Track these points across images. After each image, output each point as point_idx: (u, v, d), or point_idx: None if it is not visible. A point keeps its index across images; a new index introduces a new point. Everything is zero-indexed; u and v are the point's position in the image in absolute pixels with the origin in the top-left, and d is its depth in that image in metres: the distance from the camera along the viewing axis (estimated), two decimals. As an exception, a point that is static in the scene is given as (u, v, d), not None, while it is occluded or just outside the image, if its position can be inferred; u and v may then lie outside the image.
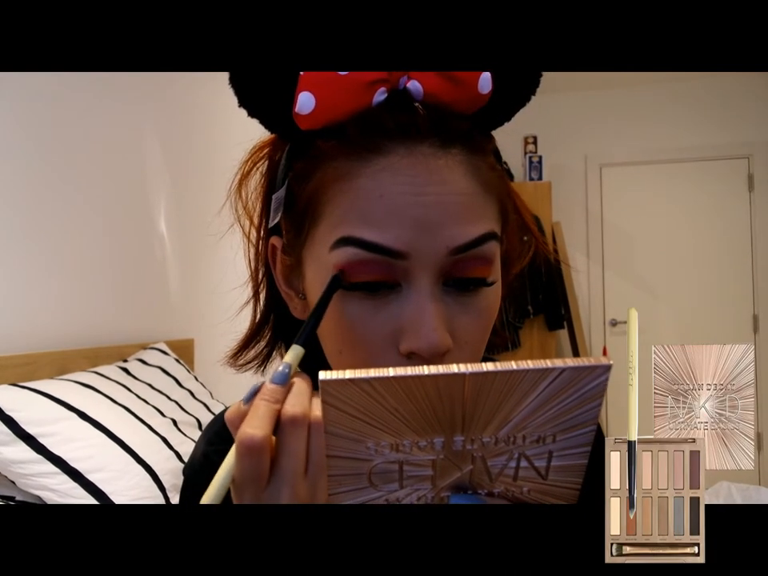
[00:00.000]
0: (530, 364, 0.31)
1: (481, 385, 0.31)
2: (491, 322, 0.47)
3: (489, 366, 0.31)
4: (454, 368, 0.31)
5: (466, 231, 0.42)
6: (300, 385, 0.37)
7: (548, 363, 0.31)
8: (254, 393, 0.36)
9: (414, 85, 0.43)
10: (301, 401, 0.36)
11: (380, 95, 0.43)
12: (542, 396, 0.32)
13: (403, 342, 0.42)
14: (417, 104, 0.43)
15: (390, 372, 0.31)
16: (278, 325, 0.55)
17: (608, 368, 0.31)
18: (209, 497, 0.34)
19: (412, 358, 0.42)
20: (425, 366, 0.31)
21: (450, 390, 0.31)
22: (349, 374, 0.31)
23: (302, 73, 0.42)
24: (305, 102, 0.42)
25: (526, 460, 0.34)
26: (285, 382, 0.37)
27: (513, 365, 0.31)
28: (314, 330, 0.41)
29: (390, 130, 0.42)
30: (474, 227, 0.43)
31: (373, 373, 0.31)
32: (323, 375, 0.31)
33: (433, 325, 0.41)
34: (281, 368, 0.38)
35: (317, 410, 0.36)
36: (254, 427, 0.34)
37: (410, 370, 0.31)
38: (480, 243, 0.43)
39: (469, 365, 0.31)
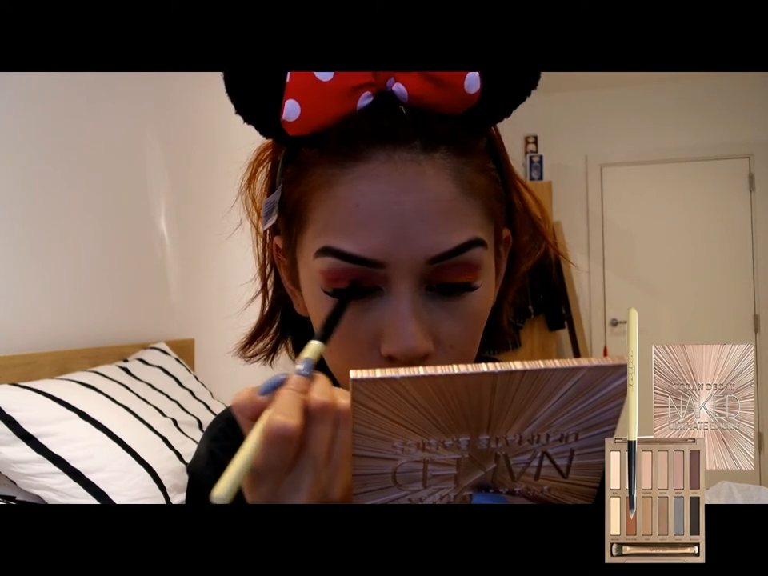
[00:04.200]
0: (557, 363, 0.31)
1: (508, 384, 0.31)
2: (479, 325, 0.47)
3: (517, 365, 0.31)
4: (483, 367, 0.31)
5: (445, 240, 0.42)
6: (323, 377, 0.38)
7: (574, 362, 0.31)
8: (275, 385, 0.36)
9: (398, 87, 0.43)
10: (327, 390, 0.36)
11: (364, 100, 0.43)
12: (567, 395, 0.32)
13: (383, 345, 0.43)
14: (401, 107, 0.43)
15: (420, 371, 0.31)
16: (284, 318, 0.57)
17: (623, 368, 0.31)
18: (225, 485, 0.32)
19: (392, 361, 0.43)
20: (454, 366, 0.31)
21: (478, 389, 0.31)
22: (379, 372, 0.31)
23: (288, 80, 0.42)
24: (291, 109, 0.42)
25: (548, 459, 0.34)
26: (310, 374, 0.37)
27: (540, 364, 0.31)
28: (332, 328, 0.41)
29: (369, 135, 0.42)
30: (455, 235, 0.42)
31: (403, 372, 0.31)
32: (354, 374, 0.31)
33: (410, 330, 0.42)
34: (304, 363, 0.37)
35: (342, 399, 0.36)
36: (288, 415, 0.33)
37: (440, 369, 0.31)
38: (461, 252, 0.42)
39: (497, 364, 0.31)
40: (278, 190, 0.48)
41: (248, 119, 0.44)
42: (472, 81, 0.43)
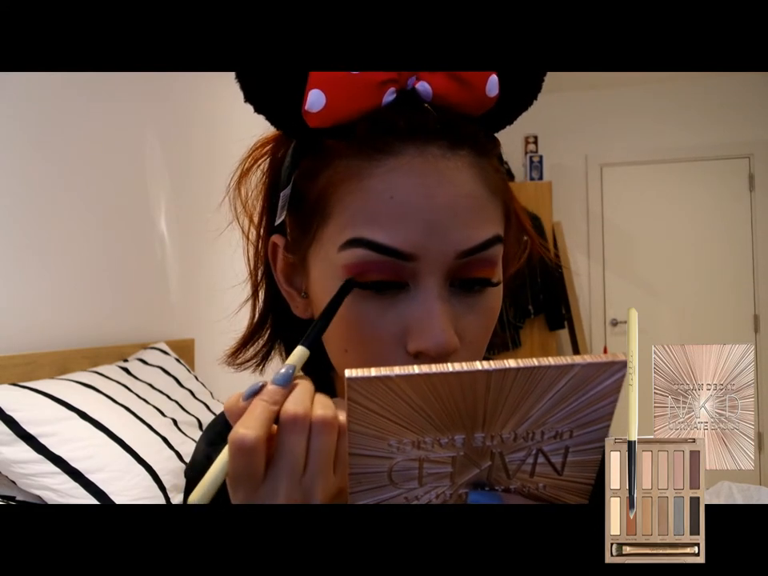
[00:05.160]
0: (550, 361, 0.31)
1: (503, 381, 0.31)
2: (494, 321, 0.47)
3: (511, 363, 0.31)
4: (478, 365, 0.31)
5: (474, 235, 0.42)
6: (303, 386, 0.37)
7: (568, 360, 0.31)
8: (255, 392, 0.36)
9: (422, 86, 0.43)
10: (302, 400, 0.36)
11: (389, 95, 0.43)
12: (561, 392, 0.32)
13: (411, 341, 0.42)
14: (426, 105, 0.43)
15: (416, 369, 0.31)
16: (276, 324, 0.55)
17: (625, 364, 0.31)
18: (199, 491, 0.34)
19: (419, 358, 0.42)
20: (448, 364, 0.31)
21: (473, 386, 0.31)
22: (374, 371, 0.31)
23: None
24: (315, 99, 0.42)
25: (543, 456, 0.35)
26: (287, 383, 0.37)
27: (534, 361, 0.31)
28: (321, 332, 0.41)
29: (400, 130, 0.42)
30: (482, 231, 0.43)
31: (398, 370, 0.31)
32: (349, 373, 0.31)
33: (441, 325, 0.41)
34: (283, 369, 0.37)
35: (318, 410, 0.36)
36: (248, 427, 0.34)
37: (434, 368, 0.31)
38: (486, 247, 0.43)
39: (492, 362, 0.31)
40: (291, 184, 0.47)
41: (260, 109, 0.43)
42: (493, 84, 0.44)
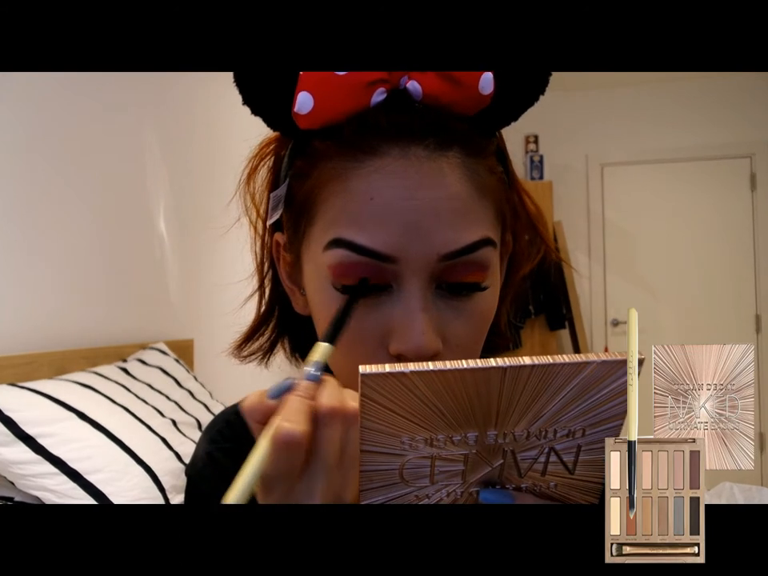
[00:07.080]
0: (565, 358, 0.31)
1: (517, 379, 0.31)
2: (485, 326, 0.47)
3: (526, 360, 0.31)
4: (492, 362, 0.31)
5: (458, 237, 0.42)
6: (332, 381, 0.37)
7: (582, 357, 0.31)
8: (284, 390, 0.36)
9: (413, 85, 0.43)
10: (336, 394, 0.36)
11: (378, 95, 0.43)
12: (574, 390, 0.32)
13: (392, 343, 0.42)
14: (416, 104, 0.43)
15: (430, 366, 0.31)
16: (282, 317, 0.56)
17: (640, 362, 0.31)
18: (237, 493, 0.32)
19: (400, 360, 0.42)
20: (463, 360, 0.31)
21: (487, 383, 0.31)
22: (388, 367, 0.31)
23: (301, 72, 0.42)
24: (303, 101, 0.42)
25: (555, 454, 0.35)
26: (318, 378, 0.37)
27: (549, 359, 0.31)
28: (340, 327, 0.41)
29: (384, 130, 0.42)
30: (467, 233, 0.42)
31: (412, 366, 0.31)
32: (363, 369, 0.31)
33: (420, 328, 0.41)
34: (313, 367, 0.37)
35: (352, 402, 0.36)
36: (293, 422, 0.33)
37: (449, 364, 0.31)
38: (473, 250, 0.42)
39: (507, 359, 0.31)
40: (285, 184, 0.48)
41: (256, 111, 0.44)
42: (486, 82, 0.43)
